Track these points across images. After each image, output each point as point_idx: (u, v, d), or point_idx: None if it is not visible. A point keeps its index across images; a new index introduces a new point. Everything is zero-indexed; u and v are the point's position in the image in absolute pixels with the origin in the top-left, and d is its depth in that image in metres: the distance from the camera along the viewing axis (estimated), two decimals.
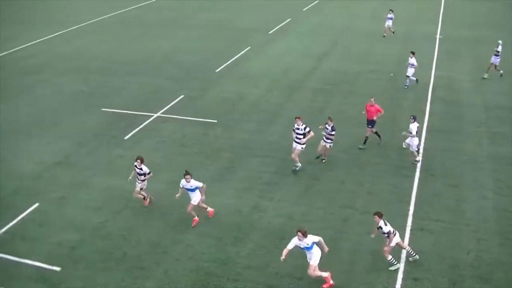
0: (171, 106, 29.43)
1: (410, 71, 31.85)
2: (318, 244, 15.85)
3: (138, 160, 19.73)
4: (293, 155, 22.29)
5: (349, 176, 22.28)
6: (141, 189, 20.10)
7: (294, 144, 22.17)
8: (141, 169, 19.75)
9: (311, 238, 15.60)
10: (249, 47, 41.37)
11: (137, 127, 26.84)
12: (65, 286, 16.24)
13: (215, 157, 23.92)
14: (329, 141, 22.71)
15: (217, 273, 16.73)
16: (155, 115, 28.26)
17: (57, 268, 16.93)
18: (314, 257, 15.78)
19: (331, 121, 22.55)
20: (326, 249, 16.00)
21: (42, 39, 45.03)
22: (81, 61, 38.36)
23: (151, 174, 19.88)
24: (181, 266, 17.01)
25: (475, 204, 20.33)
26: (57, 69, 36.75)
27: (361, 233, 18.46)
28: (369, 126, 24.41)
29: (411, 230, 18.73)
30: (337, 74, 34.94)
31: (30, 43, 43.59)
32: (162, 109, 29.01)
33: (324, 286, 16.07)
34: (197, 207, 19.02)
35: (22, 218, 19.53)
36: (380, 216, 16.25)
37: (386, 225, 16.27)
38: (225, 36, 45.27)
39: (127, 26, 49.81)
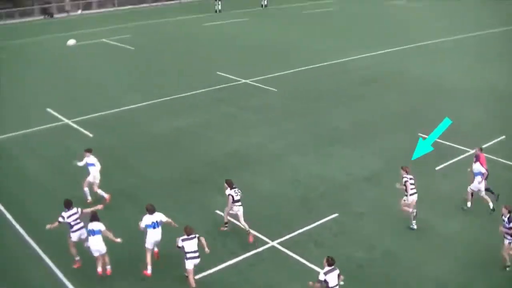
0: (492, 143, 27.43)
1: None
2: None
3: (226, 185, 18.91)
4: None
5: None
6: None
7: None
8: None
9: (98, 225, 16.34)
10: None
11: (450, 160, 25.75)
12: None
13: None
14: (510, 237, 17.38)
15: None
16: (471, 151, 26.55)
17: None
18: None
19: (507, 210, 17.28)
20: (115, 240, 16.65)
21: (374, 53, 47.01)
22: (404, 80, 38.90)
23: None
24: None
25: None
26: (385, 83, 37.74)
27: None
28: None
29: None
30: None
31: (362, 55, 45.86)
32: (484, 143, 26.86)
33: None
34: None
35: (320, 224, 20.34)
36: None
37: None
38: None
39: (465, 52, 48.81)
